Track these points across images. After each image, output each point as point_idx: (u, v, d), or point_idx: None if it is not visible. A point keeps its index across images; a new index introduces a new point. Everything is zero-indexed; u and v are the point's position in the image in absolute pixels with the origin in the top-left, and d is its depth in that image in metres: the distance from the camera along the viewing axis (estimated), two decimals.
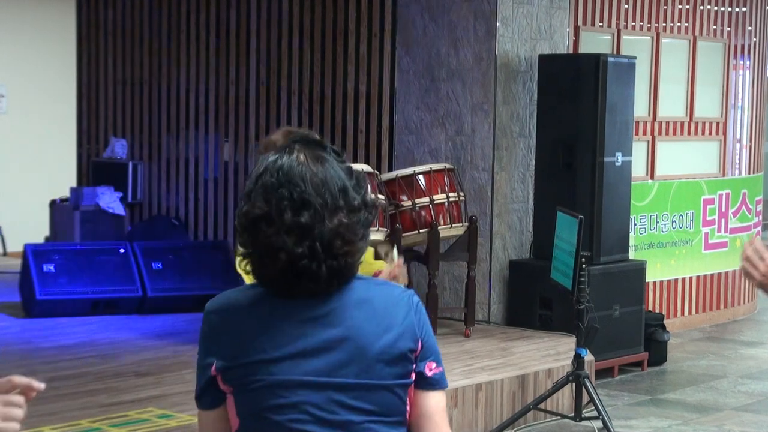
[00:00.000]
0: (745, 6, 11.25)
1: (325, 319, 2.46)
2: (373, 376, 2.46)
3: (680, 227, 10.57)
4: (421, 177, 8.21)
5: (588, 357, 7.19)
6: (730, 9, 11.07)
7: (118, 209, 11.33)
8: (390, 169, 9.22)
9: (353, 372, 2.45)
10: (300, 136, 2.55)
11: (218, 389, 2.50)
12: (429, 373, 2.54)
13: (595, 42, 9.76)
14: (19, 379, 2.33)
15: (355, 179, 2.51)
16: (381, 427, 2.48)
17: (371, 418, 2.46)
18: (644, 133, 10.24)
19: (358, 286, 2.52)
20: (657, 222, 10.33)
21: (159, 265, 9.64)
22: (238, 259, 4.20)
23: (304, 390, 2.43)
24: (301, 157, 2.47)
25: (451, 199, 8.25)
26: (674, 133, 10.59)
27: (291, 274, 2.44)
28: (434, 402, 2.55)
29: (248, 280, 4.21)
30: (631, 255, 9.28)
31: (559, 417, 7.38)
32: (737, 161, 11.39)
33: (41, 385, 2.34)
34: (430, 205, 8.14)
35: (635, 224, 9.96)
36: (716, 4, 10.92)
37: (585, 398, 7.03)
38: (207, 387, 2.51)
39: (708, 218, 10.86)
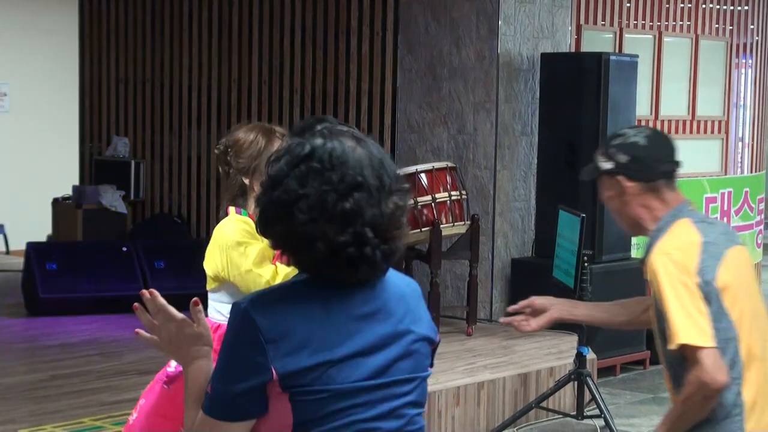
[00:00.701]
0: (747, 5, 11.25)
1: (378, 314, 2.42)
2: (420, 368, 2.48)
3: None
4: (423, 175, 8.21)
5: (590, 355, 7.20)
6: (732, 7, 11.07)
7: (121, 208, 11.34)
8: None
9: (408, 367, 2.45)
10: (331, 120, 2.46)
11: (263, 397, 2.35)
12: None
13: (598, 40, 9.76)
14: None
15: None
16: (421, 418, 2.50)
17: (419, 410, 2.48)
18: None
19: (389, 275, 2.49)
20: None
21: (161, 264, 9.65)
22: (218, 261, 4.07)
23: (369, 391, 2.39)
24: (350, 141, 2.40)
25: (453, 198, 8.25)
26: (676, 131, 10.59)
27: (337, 262, 2.35)
28: None
29: (211, 284, 4.15)
30: (633, 253, 9.28)
31: (561, 415, 7.38)
32: (739, 160, 11.39)
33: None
34: (432, 204, 8.14)
35: None
36: (718, 3, 10.92)
37: (587, 397, 7.04)
38: (250, 395, 2.34)
39: (710, 217, 10.86)
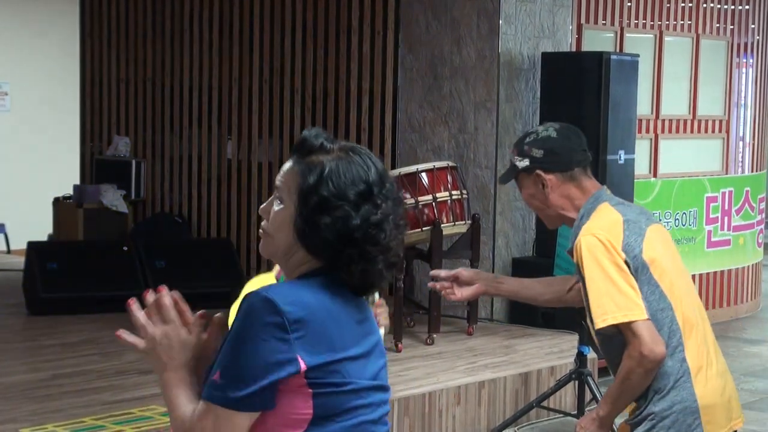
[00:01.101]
0: (748, 4, 11.24)
1: (367, 323, 2.48)
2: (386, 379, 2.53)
3: (683, 225, 10.57)
4: (423, 175, 8.20)
5: (591, 355, 7.19)
6: (733, 7, 11.07)
7: (121, 207, 11.34)
8: (393, 167, 9.22)
9: (385, 375, 2.50)
10: (325, 133, 2.53)
11: (274, 391, 2.31)
12: None
13: (598, 40, 9.76)
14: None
15: None
16: None
17: (389, 424, 2.52)
18: (647, 131, 10.23)
19: None
20: (660, 220, 10.33)
21: (162, 263, 9.64)
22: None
23: (376, 391, 2.43)
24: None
25: (454, 197, 8.25)
26: (677, 131, 10.59)
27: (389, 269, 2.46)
28: None
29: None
30: None
31: (561, 415, 7.39)
32: (740, 159, 11.39)
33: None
34: (433, 203, 8.14)
35: None
36: (719, 2, 10.92)
37: (588, 396, 7.04)
38: (269, 387, 2.30)
39: (711, 216, 10.86)
